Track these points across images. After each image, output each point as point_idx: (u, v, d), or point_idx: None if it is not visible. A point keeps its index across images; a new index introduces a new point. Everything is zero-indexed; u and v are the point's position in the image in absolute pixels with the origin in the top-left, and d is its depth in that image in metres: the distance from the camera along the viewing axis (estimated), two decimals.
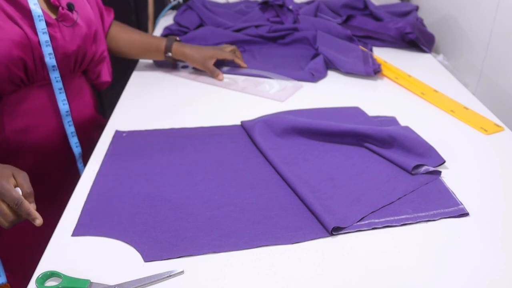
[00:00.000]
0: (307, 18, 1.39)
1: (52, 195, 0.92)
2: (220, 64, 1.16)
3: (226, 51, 1.15)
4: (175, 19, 1.50)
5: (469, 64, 1.23)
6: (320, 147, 0.84)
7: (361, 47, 1.25)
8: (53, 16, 0.85)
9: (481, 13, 1.17)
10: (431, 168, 0.76)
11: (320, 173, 0.77)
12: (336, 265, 0.59)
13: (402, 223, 0.66)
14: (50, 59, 0.84)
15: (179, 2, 1.65)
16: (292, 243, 0.63)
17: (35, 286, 0.56)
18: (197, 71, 1.16)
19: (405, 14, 1.47)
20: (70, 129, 0.93)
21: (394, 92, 1.08)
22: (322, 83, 1.13)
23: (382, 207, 0.69)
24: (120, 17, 1.15)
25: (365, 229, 0.65)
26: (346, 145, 0.84)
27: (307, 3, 1.55)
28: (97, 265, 0.59)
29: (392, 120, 0.94)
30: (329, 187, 0.73)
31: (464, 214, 0.68)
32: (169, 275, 0.57)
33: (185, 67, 1.19)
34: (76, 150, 0.95)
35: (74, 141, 0.94)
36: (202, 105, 1.01)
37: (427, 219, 0.67)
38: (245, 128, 0.90)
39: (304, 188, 0.71)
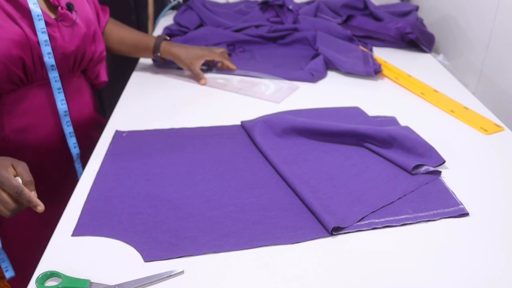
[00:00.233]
0: (307, 18, 1.39)
1: (52, 195, 0.92)
2: (209, 67, 1.16)
3: (216, 53, 1.13)
4: (175, 19, 1.50)
5: (469, 64, 1.23)
6: (320, 147, 0.84)
7: (361, 47, 1.25)
8: (53, 16, 0.85)
9: (481, 13, 1.17)
10: (431, 168, 0.76)
11: (320, 173, 0.77)
12: (336, 265, 0.59)
13: (402, 223, 0.66)
14: (49, 59, 0.84)
15: (179, 2, 1.65)
16: (292, 243, 0.63)
17: (35, 286, 0.56)
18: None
19: (405, 14, 1.47)
20: (68, 129, 0.93)
21: (394, 92, 1.08)
22: (322, 83, 1.13)
23: (382, 207, 0.69)
24: (120, 17, 1.15)
25: (365, 229, 0.65)
26: (346, 145, 0.84)
27: (307, 3, 1.55)
28: (97, 265, 0.59)
29: (392, 120, 0.94)
30: (329, 187, 0.73)
31: (464, 214, 0.68)
32: (169, 275, 0.57)
33: (181, 68, 1.19)
34: (74, 150, 0.95)
35: (72, 142, 0.94)
36: (202, 105, 1.01)
37: (427, 219, 0.67)
38: (245, 128, 0.90)
39: (304, 188, 0.71)
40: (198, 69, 1.09)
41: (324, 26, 1.34)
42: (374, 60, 1.17)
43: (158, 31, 1.48)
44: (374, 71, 1.12)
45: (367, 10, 1.49)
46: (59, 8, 0.85)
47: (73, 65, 0.91)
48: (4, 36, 0.77)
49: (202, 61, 1.09)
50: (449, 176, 0.76)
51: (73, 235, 0.64)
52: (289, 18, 1.42)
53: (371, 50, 1.30)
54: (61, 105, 0.90)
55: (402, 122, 0.93)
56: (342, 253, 0.61)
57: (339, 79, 1.15)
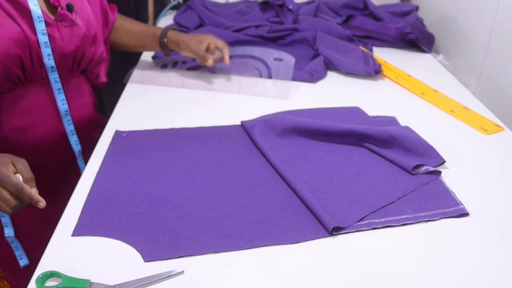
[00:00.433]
0: (307, 18, 1.39)
1: (52, 194, 0.92)
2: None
3: (219, 40, 1.14)
4: (175, 19, 1.50)
5: (469, 64, 1.23)
6: (320, 147, 0.84)
7: (361, 47, 1.25)
8: (52, 16, 0.85)
9: (481, 13, 1.17)
10: (431, 168, 0.76)
11: (320, 173, 0.77)
12: (336, 265, 0.59)
13: (402, 223, 0.66)
14: (49, 60, 0.84)
15: (179, 2, 1.65)
16: (292, 243, 0.63)
17: (35, 286, 0.56)
18: (197, 72, 1.16)
19: (405, 14, 1.47)
20: (69, 127, 0.93)
21: (394, 92, 1.08)
22: (322, 83, 1.13)
23: (382, 207, 0.69)
24: None
25: (365, 229, 0.65)
26: (346, 145, 0.84)
27: (307, 3, 1.55)
28: (97, 265, 0.59)
29: (392, 120, 0.94)
30: (329, 187, 0.73)
31: (464, 214, 0.68)
32: (169, 275, 0.57)
33: (181, 66, 1.18)
34: (76, 148, 0.95)
35: (73, 139, 0.94)
36: (202, 105, 1.01)
37: (427, 219, 0.67)
38: (245, 128, 0.90)
39: (304, 188, 0.71)
40: (203, 51, 1.09)
41: (324, 26, 1.33)
42: (374, 60, 1.17)
43: None
44: (374, 71, 1.12)
45: (367, 10, 1.49)
46: (59, 8, 0.85)
47: (72, 65, 0.91)
48: (3, 34, 0.77)
49: (205, 44, 1.09)
50: (449, 176, 0.76)
51: (73, 235, 0.64)
52: (289, 18, 1.42)
53: (371, 50, 1.30)
54: (62, 105, 0.90)
55: (402, 122, 0.93)
56: (342, 253, 0.61)
57: (339, 79, 1.15)
